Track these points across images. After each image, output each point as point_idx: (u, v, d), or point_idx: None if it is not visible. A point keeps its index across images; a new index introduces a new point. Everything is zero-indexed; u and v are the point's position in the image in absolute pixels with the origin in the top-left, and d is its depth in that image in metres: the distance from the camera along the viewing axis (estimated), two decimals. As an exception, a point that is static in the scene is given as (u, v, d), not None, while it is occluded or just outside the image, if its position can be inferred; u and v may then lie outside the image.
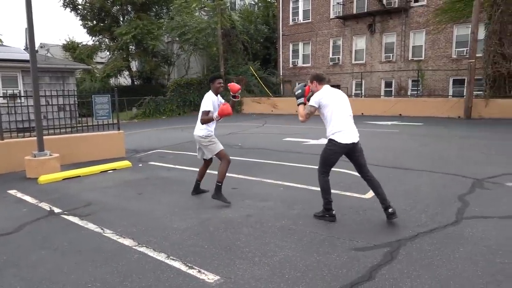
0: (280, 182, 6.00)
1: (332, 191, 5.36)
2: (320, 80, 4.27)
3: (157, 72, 28.93)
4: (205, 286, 2.88)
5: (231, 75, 24.50)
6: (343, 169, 6.65)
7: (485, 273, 2.97)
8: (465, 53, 18.34)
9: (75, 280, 3.04)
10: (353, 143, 4.08)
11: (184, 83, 23.88)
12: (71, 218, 4.59)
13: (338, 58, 23.89)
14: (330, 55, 24.30)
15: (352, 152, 4.13)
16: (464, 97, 16.26)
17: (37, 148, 7.20)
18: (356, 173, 4.41)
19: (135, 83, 30.67)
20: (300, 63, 25.87)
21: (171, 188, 5.96)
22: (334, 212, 4.25)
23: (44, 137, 7.44)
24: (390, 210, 4.04)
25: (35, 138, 7.37)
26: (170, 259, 3.36)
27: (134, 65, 31.00)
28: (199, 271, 3.11)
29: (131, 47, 27.81)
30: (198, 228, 4.14)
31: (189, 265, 3.23)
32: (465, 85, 16.59)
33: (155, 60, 28.21)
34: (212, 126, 5.00)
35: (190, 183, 6.30)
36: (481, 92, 16.89)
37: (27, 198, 5.52)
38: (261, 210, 4.67)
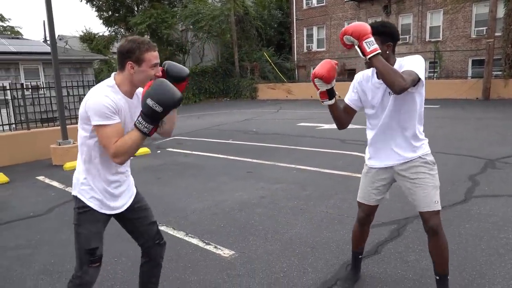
0: (293, 166, 6.17)
1: (343, 172, 5.50)
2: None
3: (172, 61, 29.20)
4: (221, 260, 3.12)
5: (245, 62, 24.55)
6: (351, 151, 6.78)
7: (488, 247, 3.10)
8: (484, 33, 17.87)
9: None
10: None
11: (199, 71, 24.10)
12: (96, 201, 4.88)
13: (353, 41, 23.59)
14: (345, 39, 24.02)
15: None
16: (483, 78, 15.94)
17: (61, 136, 7.55)
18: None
19: (151, 72, 31.04)
20: (314, 47, 25.67)
21: (188, 173, 6.21)
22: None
23: (67, 126, 7.78)
24: None
25: (59, 127, 7.72)
26: (189, 236, 3.61)
27: (149, 54, 31.32)
28: (216, 247, 3.34)
29: (146, 36, 28.08)
30: (215, 209, 4.37)
31: (206, 241, 3.47)
32: (484, 66, 16.23)
33: (170, 49, 28.44)
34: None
35: (207, 167, 6.56)
36: (500, 73, 16.52)
37: (55, 184, 5.88)
38: (274, 192, 4.87)
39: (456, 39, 19.87)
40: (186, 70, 2.02)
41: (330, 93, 2.22)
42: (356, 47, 2.01)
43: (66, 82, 10.01)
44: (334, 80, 2.18)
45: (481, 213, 3.83)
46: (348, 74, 23.76)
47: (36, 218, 4.42)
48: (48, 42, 20.68)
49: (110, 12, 28.98)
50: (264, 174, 5.81)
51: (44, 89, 10.35)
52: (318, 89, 2.19)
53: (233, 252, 3.24)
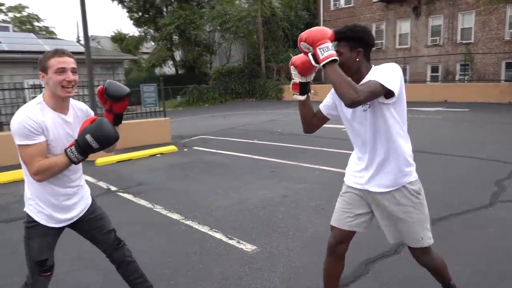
0: (316, 166, 6.23)
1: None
2: None
3: (199, 61, 29.68)
4: (243, 254, 3.24)
5: (272, 63, 24.66)
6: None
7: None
8: (519, 35, 17.31)
9: (132, 246, 3.50)
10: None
11: (226, 71, 24.40)
12: (125, 195, 5.13)
13: (381, 43, 23.30)
14: (373, 40, 23.74)
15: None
16: (516, 81, 15.44)
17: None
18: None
19: (179, 72, 31.65)
20: (341, 49, 25.47)
21: (214, 171, 6.37)
22: None
23: (99, 123, 8.11)
24: None
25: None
26: (213, 231, 3.75)
27: (177, 54, 31.96)
28: (238, 242, 3.47)
29: (174, 37, 28.67)
30: (239, 206, 4.50)
31: (230, 236, 3.60)
32: (518, 69, 15.72)
33: (197, 49, 28.93)
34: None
35: (232, 166, 6.71)
36: (536, 76, 15.95)
37: (87, 178, 6.17)
38: (297, 191, 4.96)
39: (489, 41, 19.29)
40: (125, 89, 1.98)
41: (302, 88, 2.02)
42: (309, 55, 1.82)
43: (98, 82, 10.41)
44: (312, 75, 2.01)
45: (506, 218, 3.78)
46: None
47: (70, 209, 4.68)
48: (81, 42, 21.48)
49: (140, 13, 29.76)
50: (288, 174, 5.90)
51: (78, 87, 10.79)
52: (293, 78, 2.02)
53: (255, 247, 3.35)
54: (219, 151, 8.08)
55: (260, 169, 6.30)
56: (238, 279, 2.85)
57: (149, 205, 4.67)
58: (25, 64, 14.61)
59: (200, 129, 11.87)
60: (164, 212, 4.39)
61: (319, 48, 1.75)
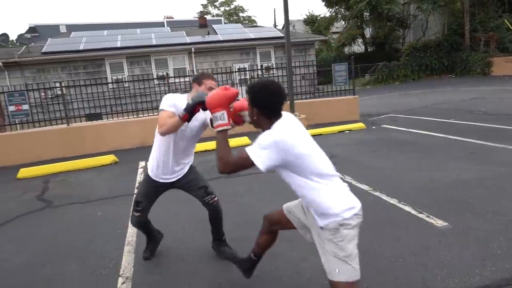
0: (529, 150, 5.41)
1: None
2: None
3: (391, 37, 28.25)
4: (433, 228, 3.27)
5: (479, 33, 21.41)
6: None
7: None
8: None
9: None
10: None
11: (421, 46, 22.56)
12: (318, 165, 5.68)
13: None
14: None
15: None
16: None
17: (289, 110, 8.80)
18: None
19: (368, 49, 30.93)
20: None
21: (402, 149, 6.30)
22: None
23: (294, 101, 8.98)
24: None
25: (287, 102, 8.99)
26: (402, 204, 3.87)
27: (367, 31, 31.20)
28: (428, 216, 3.50)
29: (365, 13, 28.04)
30: (429, 184, 4.43)
31: (419, 210, 3.65)
32: None
33: (389, 25, 27.56)
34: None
35: (423, 145, 6.51)
36: None
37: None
38: (499, 175, 4.49)
39: None
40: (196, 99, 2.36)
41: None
42: (208, 118, 2.08)
43: (294, 63, 11.39)
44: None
45: None
46: None
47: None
48: (277, 27, 23.42)
49: (331, -7, 30.13)
50: (490, 156, 5.34)
51: (275, 69, 12.06)
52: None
53: (447, 223, 3.32)
54: (408, 130, 7.83)
55: (456, 150, 5.88)
56: (426, 248, 2.93)
57: (339, 176, 5.06)
58: (233, 51, 17.12)
59: (389, 108, 11.61)
60: (353, 182, 4.72)
61: (214, 116, 1.91)
